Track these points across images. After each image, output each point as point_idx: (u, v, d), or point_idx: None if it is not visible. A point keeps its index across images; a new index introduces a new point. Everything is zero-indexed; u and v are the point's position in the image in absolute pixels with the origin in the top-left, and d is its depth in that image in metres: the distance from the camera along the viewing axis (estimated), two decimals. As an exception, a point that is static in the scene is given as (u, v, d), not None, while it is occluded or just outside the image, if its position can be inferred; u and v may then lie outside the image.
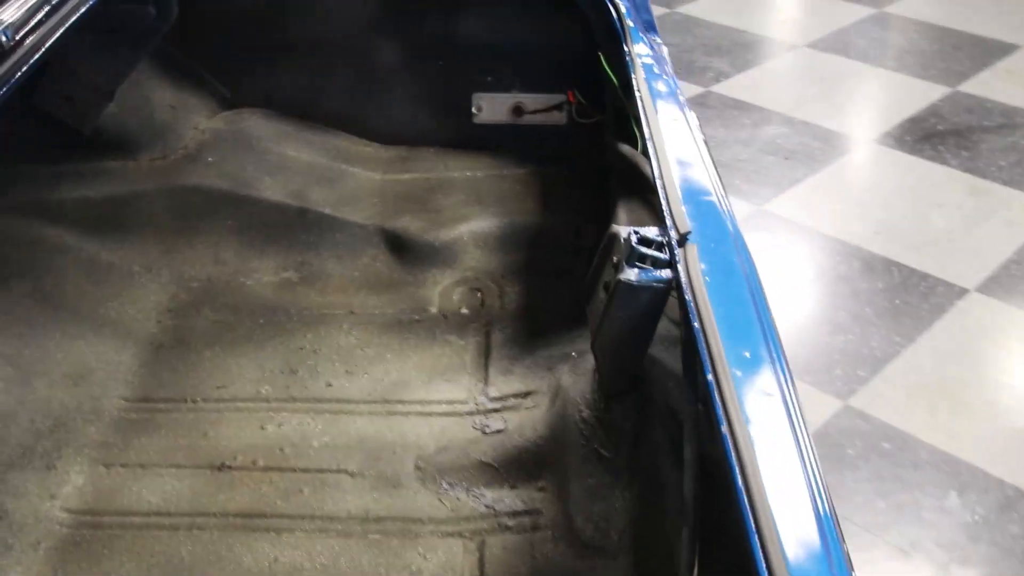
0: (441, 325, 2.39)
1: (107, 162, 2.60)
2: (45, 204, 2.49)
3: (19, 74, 1.65)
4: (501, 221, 2.61)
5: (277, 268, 2.54)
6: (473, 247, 2.56)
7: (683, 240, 1.72)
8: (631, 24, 2.48)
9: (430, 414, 2.15)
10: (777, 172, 4.22)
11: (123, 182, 2.56)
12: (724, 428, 1.33)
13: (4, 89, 1.64)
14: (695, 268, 1.66)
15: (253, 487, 1.98)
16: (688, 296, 1.59)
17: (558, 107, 2.79)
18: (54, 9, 1.80)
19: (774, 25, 5.74)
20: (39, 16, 1.75)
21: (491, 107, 2.84)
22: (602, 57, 2.50)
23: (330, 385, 2.22)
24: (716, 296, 1.62)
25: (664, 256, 1.73)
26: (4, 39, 1.63)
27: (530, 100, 2.82)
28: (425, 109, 2.87)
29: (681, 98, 2.30)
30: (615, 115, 2.55)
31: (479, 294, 2.48)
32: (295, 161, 2.72)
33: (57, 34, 1.79)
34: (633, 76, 2.26)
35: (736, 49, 5.35)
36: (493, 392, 2.19)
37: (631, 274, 1.71)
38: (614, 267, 1.76)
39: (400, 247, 2.57)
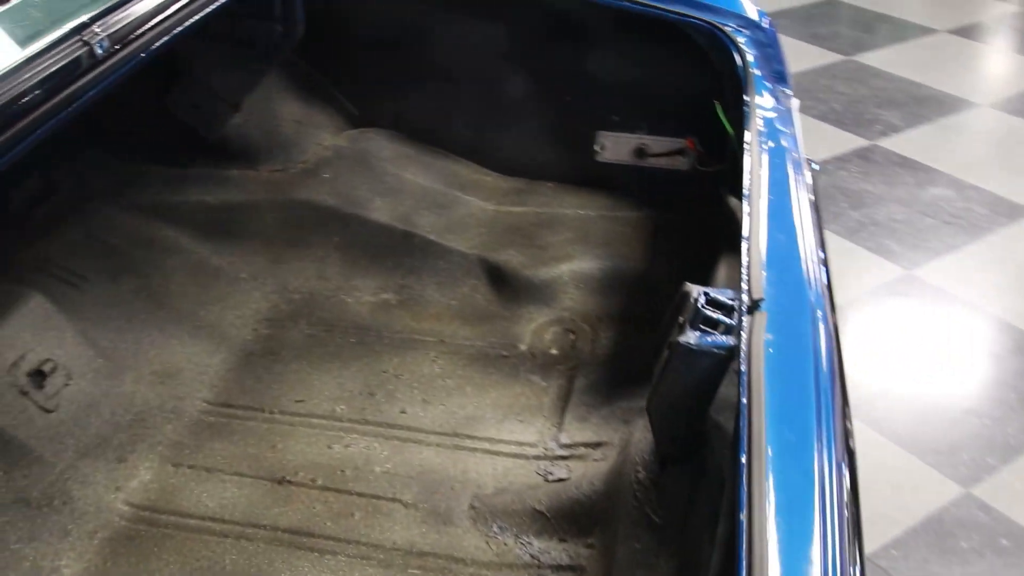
0: (527, 363, 2.35)
1: (228, 170, 2.70)
2: (166, 205, 2.60)
3: (108, 80, 1.73)
4: (605, 264, 2.55)
5: (377, 289, 2.57)
6: (573, 287, 2.52)
7: (754, 307, 1.63)
8: (756, 73, 2.39)
9: (497, 453, 2.12)
10: (934, 236, 3.98)
11: (240, 191, 2.65)
12: (742, 515, 1.24)
13: (90, 93, 1.71)
14: (758, 338, 1.57)
15: (307, 505, 1.99)
16: (743, 367, 1.51)
17: (681, 152, 2.71)
18: (156, 20, 1.86)
19: (957, 81, 5.43)
20: (141, 29, 1.82)
21: (614, 146, 2.79)
22: (718, 105, 2.41)
23: (404, 412, 2.22)
24: (774, 370, 1.52)
25: (731, 321, 1.65)
26: (100, 50, 1.70)
27: (654, 143, 2.75)
28: (548, 143, 2.85)
29: (797, 155, 2.20)
30: (733, 166, 2.46)
31: (572, 336, 2.43)
32: (410, 184, 2.74)
33: (157, 44, 1.85)
34: (747, 128, 2.18)
35: (911, 103, 5.09)
36: (564, 439, 2.13)
37: (691, 337, 1.64)
38: (679, 327, 1.68)
39: (500, 280, 2.55)
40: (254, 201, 2.62)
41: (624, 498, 1.84)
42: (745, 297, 1.66)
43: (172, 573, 1.85)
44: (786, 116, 2.36)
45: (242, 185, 2.66)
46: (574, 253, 2.58)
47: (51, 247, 2.42)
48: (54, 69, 1.63)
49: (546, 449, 2.11)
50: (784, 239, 1.84)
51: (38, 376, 2.06)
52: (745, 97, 2.29)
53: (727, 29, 2.41)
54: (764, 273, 1.71)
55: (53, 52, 1.63)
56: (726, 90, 2.41)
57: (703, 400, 1.68)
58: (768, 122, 2.26)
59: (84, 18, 1.69)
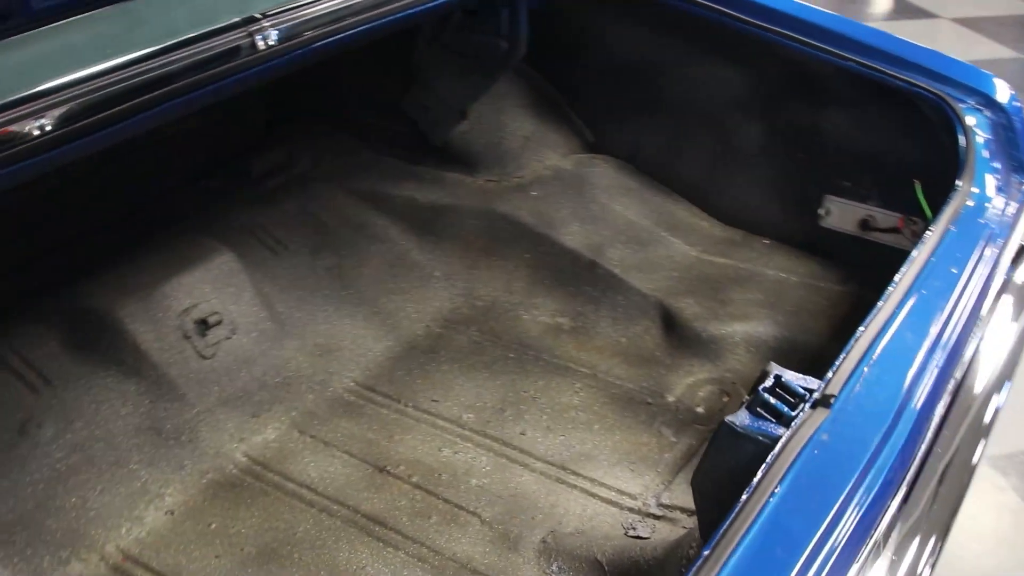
0: (667, 415, 2.27)
1: (447, 173, 2.82)
2: (382, 195, 2.77)
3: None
4: (784, 333, 2.40)
5: (555, 311, 2.58)
6: (743, 350, 2.39)
7: (822, 401, 1.50)
8: (983, 156, 2.16)
9: (593, 495, 2.07)
10: None
11: (449, 193, 2.76)
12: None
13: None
14: (803, 433, 1.44)
15: (394, 497, 2.06)
16: (770, 461, 1.40)
17: (907, 230, 2.49)
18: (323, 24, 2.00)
19: None
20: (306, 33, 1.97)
21: (840, 214, 2.61)
22: (918, 186, 2.20)
23: (523, 434, 2.23)
24: (806, 474, 1.39)
25: (789, 412, 1.52)
26: (262, 44, 1.86)
27: (882, 216, 2.55)
28: (772, 198, 2.72)
29: (998, 253, 1.96)
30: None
31: (725, 398, 2.31)
32: (615, 216, 2.72)
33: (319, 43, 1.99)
34: (942, 214, 1.98)
35: None
36: (666, 499, 2.05)
37: (739, 418, 1.53)
38: (741, 405, 1.57)
39: (671, 326, 2.48)
40: (459, 206, 2.73)
41: (669, 571, 1.75)
42: (818, 389, 1.52)
43: (251, 525, 1.99)
44: (1009, 211, 2.11)
45: (453, 189, 2.77)
46: (756, 315, 2.45)
47: (266, 214, 2.67)
48: (216, 52, 1.81)
49: (644, 504, 2.04)
50: (910, 339, 1.66)
51: (203, 325, 2.28)
52: (957, 182, 2.08)
53: (957, 105, 2.19)
54: (864, 370, 1.57)
55: (221, 36, 1.81)
56: (943, 170, 2.19)
57: (744, 485, 1.56)
58: (973, 212, 2.04)
59: (256, 12, 1.86)
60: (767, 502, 1.35)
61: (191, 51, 1.78)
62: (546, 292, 2.62)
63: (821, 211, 2.64)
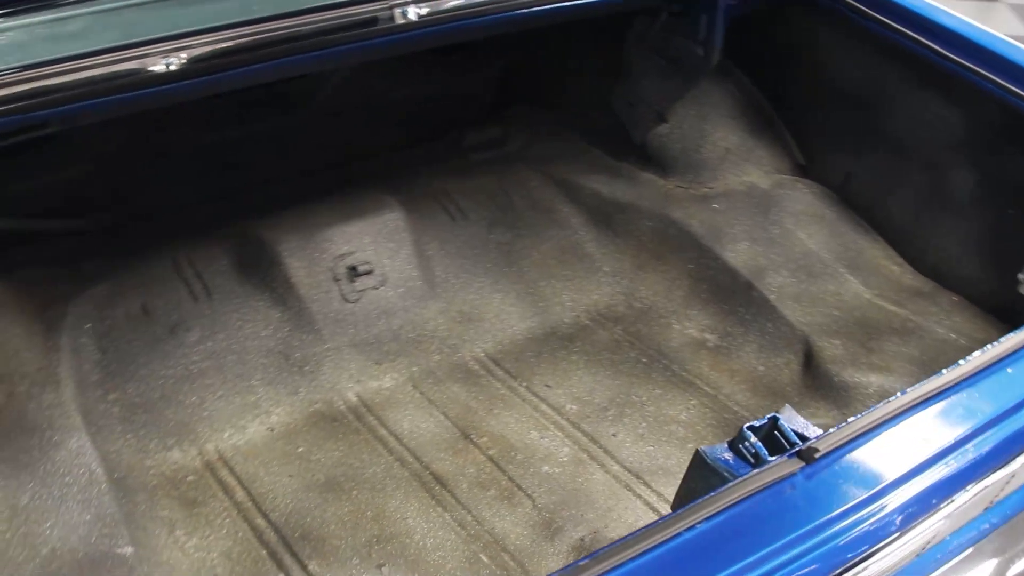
0: None
1: (641, 172, 2.82)
2: (573, 185, 2.82)
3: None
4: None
5: (705, 327, 2.54)
6: (873, 401, 2.22)
7: (807, 454, 1.42)
8: None
9: (654, 510, 2.05)
10: None
11: (633, 192, 2.76)
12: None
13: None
14: (766, 480, 1.38)
15: (464, 464, 2.15)
16: (714, 493, 1.35)
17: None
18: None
19: None
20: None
21: (1041, 284, 2.34)
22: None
23: (614, 436, 2.23)
24: (745, 518, 1.34)
25: (766, 454, 1.44)
26: (405, 17, 1.98)
27: (1083, 296, 2.27)
28: (974, 253, 2.48)
29: None
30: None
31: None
32: (795, 242, 2.60)
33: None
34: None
35: None
36: None
37: (714, 449, 1.48)
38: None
39: (810, 363, 2.35)
40: (639, 205, 2.73)
41: None
42: (810, 441, 1.44)
43: (330, 457, 2.16)
44: None
45: (641, 188, 2.77)
46: (900, 370, 2.27)
47: (459, 183, 2.82)
48: (355, 20, 1.97)
49: None
50: (941, 430, 1.51)
51: (353, 271, 2.48)
52: None
53: None
54: (872, 439, 1.46)
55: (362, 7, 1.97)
56: None
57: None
58: None
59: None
60: (680, 533, 1.31)
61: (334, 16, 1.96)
62: (702, 305, 2.58)
63: (1022, 276, 2.38)
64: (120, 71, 1.77)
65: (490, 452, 2.19)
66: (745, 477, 1.40)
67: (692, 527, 1.32)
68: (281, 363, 2.35)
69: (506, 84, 3.16)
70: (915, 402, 1.51)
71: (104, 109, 1.79)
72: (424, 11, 2.01)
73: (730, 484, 1.38)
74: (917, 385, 1.55)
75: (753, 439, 1.47)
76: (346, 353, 2.42)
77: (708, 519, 1.33)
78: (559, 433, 2.25)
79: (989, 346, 1.62)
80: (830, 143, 2.79)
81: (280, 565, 1.92)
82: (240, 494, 2.06)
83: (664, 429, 2.26)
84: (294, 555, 1.94)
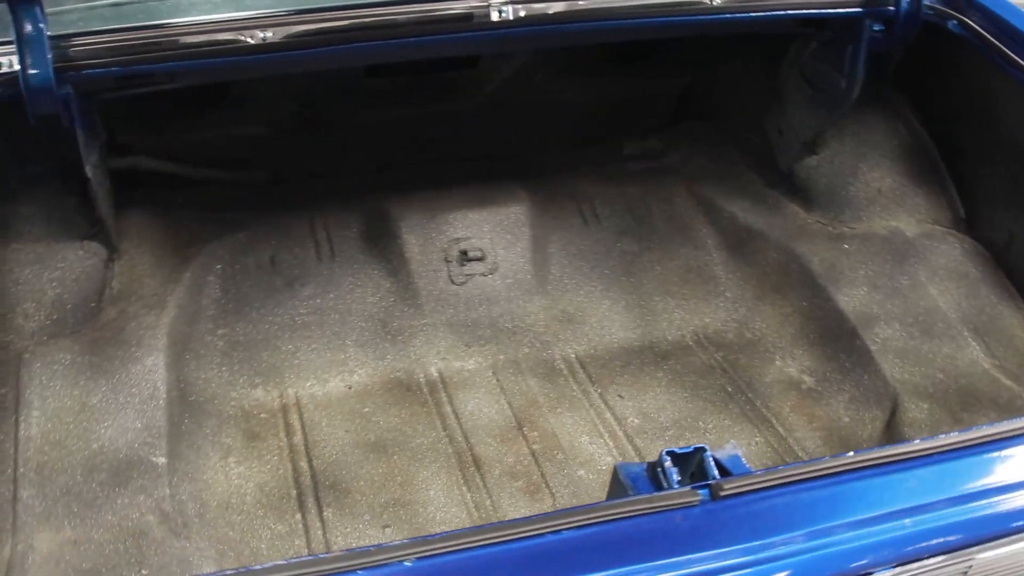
0: None
1: (789, 202, 2.74)
2: (716, 206, 2.79)
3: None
4: None
5: (805, 368, 2.45)
6: None
7: (714, 490, 1.40)
8: None
9: None
10: None
11: (771, 223, 2.68)
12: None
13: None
14: (654, 505, 1.38)
15: (505, 452, 2.23)
16: (599, 503, 1.38)
17: None
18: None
19: None
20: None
21: None
22: None
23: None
24: (610, 537, 1.35)
25: (674, 480, 1.43)
26: (498, 15, 2.07)
27: None
28: None
29: None
30: None
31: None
32: (922, 296, 2.43)
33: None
34: None
35: None
36: None
37: (628, 467, 1.49)
38: None
39: (891, 423, 2.22)
40: (768, 235, 2.65)
41: None
42: (722, 480, 1.42)
43: (389, 422, 2.31)
44: None
45: (776, 217, 2.68)
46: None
47: (601, 188, 2.87)
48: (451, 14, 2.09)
49: None
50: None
51: (464, 256, 2.60)
52: None
53: None
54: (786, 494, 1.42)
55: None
56: None
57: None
58: None
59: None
60: (543, 534, 1.33)
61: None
62: (808, 346, 2.48)
63: None
64: (221, 39, 2.00)
65: (534, 446, 2.25)
66: (639, 497, 1.39)
67: (559, 531, 1.34)
68: (377, 329, 2.52)
69: (684, 100, 3.16)
70: (843, 469, 1.43)
71: (201, 68, 2.04)
72: (522, 12, 2.10)
73: (620, 500, 1.38)
74: (860, 452, 1.47)
75: (668, 464, 1.45)
76: (440, 331, 2.55)
77: (580, 527, 1.35)
78: (609, 442, 2.27)
79: (945, 435, 1.50)
80: (998, 199, 2.57)
81: (301, 506, 2.09)
82: (297, 438, 2.25)
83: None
84: (317, 500, 2.10)
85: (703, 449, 1.47)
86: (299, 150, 2.88)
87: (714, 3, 2.22)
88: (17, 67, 1.92)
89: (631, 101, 3.13)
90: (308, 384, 2.41)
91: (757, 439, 2.28)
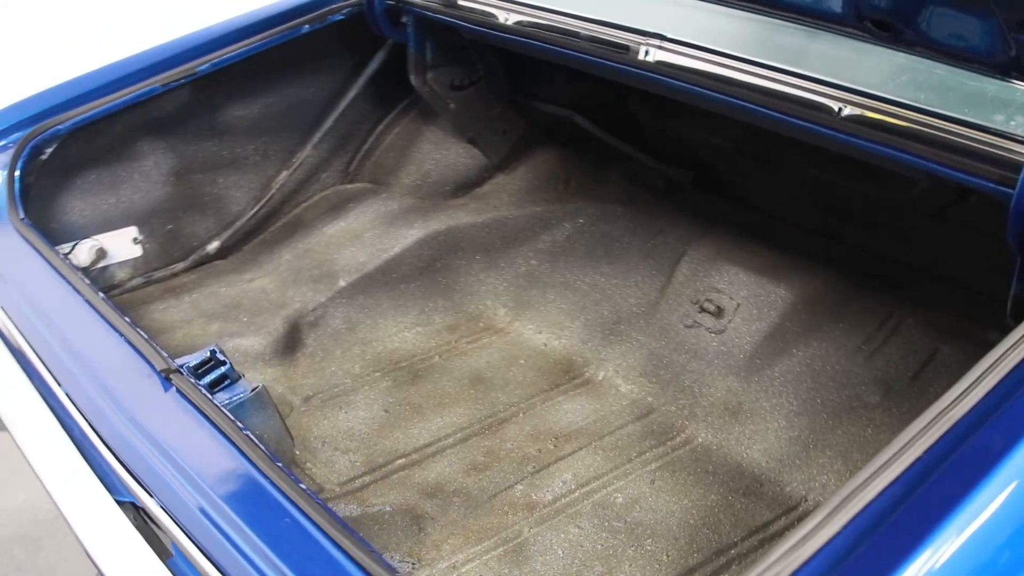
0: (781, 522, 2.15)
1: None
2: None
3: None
4: None
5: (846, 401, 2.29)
6: None
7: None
8: None
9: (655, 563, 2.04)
10: None
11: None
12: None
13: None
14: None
15: (514, 451, 2.29)
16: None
17: None
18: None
19: None
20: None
21: None
22: None
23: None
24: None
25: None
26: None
27: None
28: None
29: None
30: None
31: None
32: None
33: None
34: None
35: None
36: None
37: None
38: None
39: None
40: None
41: None
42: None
43: (515, 377, 2.54)
44: None
45: None
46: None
47: (926, 331, 2.47)
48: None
49: None
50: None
51: (706, 306, 2.59)
52: None
53: None
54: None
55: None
56: None
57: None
58: None
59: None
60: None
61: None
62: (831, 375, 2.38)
63: None
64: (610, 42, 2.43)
65: (562, 450, 2.28)
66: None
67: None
68: (604, 320, 2.70)
69: None
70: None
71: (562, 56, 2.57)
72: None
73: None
74: None
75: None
76: (638, 352, 2.59)
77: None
78: (627, 469, 2.26)
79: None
80: None
81: (381, 381, 2.55)
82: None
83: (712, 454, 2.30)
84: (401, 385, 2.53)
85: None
86: (739, 170, 3.04)
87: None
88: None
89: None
90: (528, 326, 2.74)
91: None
